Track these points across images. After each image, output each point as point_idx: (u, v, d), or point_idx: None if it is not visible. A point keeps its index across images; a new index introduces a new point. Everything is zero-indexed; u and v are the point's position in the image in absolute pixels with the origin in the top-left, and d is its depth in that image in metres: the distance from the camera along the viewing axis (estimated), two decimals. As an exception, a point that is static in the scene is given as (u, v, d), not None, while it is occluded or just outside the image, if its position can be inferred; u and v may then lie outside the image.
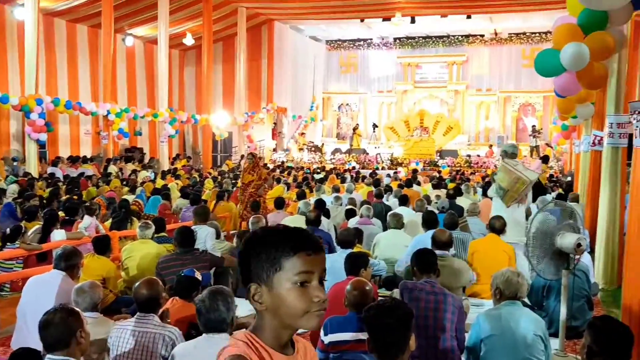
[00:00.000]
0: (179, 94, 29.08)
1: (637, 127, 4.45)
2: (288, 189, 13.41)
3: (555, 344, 4.83)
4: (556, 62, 5.67)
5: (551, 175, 19.23)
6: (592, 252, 7.36)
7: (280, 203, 9.61)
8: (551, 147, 24.83)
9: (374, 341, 2.54)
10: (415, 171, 18.50)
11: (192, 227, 6.38)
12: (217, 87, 27.27)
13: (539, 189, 11.96)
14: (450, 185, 13.71)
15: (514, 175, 7.78)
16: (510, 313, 3.88)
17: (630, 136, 5.02)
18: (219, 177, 17.51)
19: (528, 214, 7.88)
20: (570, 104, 9.04)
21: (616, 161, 7.14)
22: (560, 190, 12.31)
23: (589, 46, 5.52)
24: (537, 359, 3.83)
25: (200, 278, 4.36)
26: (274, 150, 28.05)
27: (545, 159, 19.25)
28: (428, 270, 4.14)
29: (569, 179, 16.43)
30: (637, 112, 4.41)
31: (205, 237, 6.67)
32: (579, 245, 4.56)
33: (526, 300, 5.29)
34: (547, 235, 4.81)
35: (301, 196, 10.98)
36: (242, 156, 25.36)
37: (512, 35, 30.42)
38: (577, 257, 4.84)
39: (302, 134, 30.37)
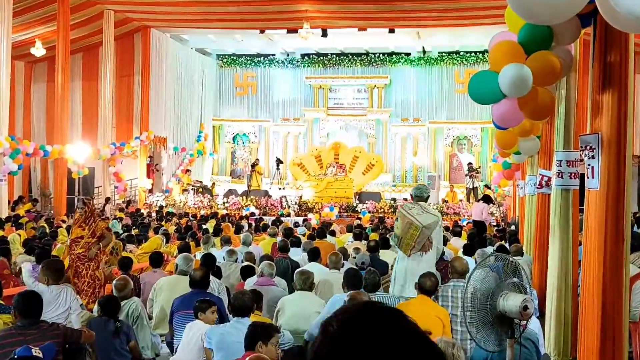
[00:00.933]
0: (24, 118, 28.15)
1: (589, 165, 4.72)
2: (167, 241, 13.18)
3: None
4: (494, 86, 5.94)
5: (483, 225, 19.96)
6: (541, 317, 7.64)
7: (156, 259, 9.40)
8: (491, 190, 25.83)
9: None
10: (328, 224, 18.64)
11: (42, 289, 6.13)
12: (76, 110, 26.73)
13: (480, 239, 12.43)
14: (373, 236, 13.92)
15: (406, 220, 8.01)
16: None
17: (582, 176, 5.31)
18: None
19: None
20: (512, 137, 9.47)
21: (567, 206, 7.48)
22: (502, 242, 12.78)
23: (531, 68, 5.82)
24: None
25: (40, 355, 4.15)
26: (150, 191, 27.57)
27: (486, 199, 20.00)
28: None
29: (512, 227, 17.12)
30: (588, 147, 4.68)
31: (66, 302, 6.45)
32: (525, 308, 4.72)
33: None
34: (487, 296, 4.96)
35: (185, 250, 10.78)
36: (107, 199, 24.75)
37: (443, 54, 31.84)
38: (523, 322, 5.01)
39: (187, 170, 30.11)
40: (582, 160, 5.27)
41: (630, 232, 5.10)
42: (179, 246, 11.36)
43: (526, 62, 5.86)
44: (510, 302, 4.79)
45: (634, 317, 7.28)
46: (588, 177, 4.81)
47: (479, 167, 28.42)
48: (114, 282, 7.53)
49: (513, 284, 5.00)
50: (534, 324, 6.61)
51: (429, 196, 8.89)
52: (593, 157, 4.71)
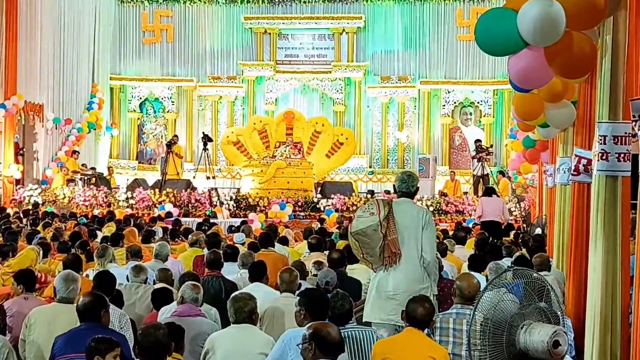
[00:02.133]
0: None
1: (645, 140, 4.76)
2: (45, 255, 13.01)
3: None
4: (511, 30, 5.95)
5: (508, 226, 20.08)
6: (578, 356, 7.72)
7: (27, 279, 9.21)
8: (508, 178, 25.99)
9: None
10: (277, 228, 18.62)
11: None
12: None
13: (493, 249, 12.46)
14: (340, 245, 13.91)
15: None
16: None
17: (635, 158, 5.35)
18: None
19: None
20: (537, 103, 9.51)
21: (614, 200, 7.50)
22: (522, 251, 12.83)
23: (563, 4, 5.83)
24: None
25: None
26: (19, 182, 27.21)
27: (489, 192, 20.02)
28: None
29: (537, 231, 17.22)
30: (643, 115, 4.72)
31: None
32: (556, 344, 4.77)
33: None
34: (503, 328, 5.00)
35: (71, 266, 10.66)
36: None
37: (441, -17, 31.93)
38: (554, 364, 5.06)
39: (73, 152, 29.75)
40: (634, 135, 5.28)
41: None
42: (63, 261, 11.23)
43: (556, -4, 5.90)
44: (536, 336, 4.83)
45: None
46: (643, 158, 4.86)
47: (491, 147, 28.53)
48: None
49: (539, 310, 5.04)
50: (568, 366, 6.68)
51: (417, 189, 8.71)
52: (651, 129, 4.76)
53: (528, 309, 5.04)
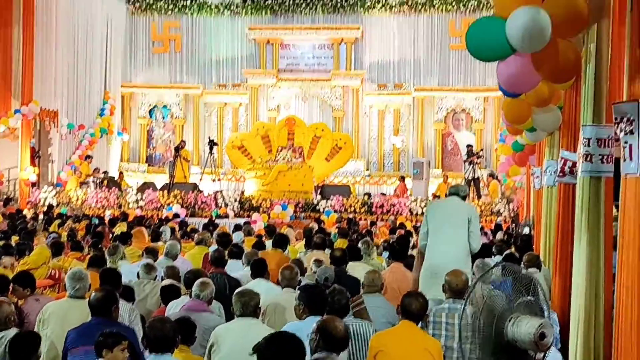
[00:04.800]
0: None
1: (626, 143, 4.75)
2: (59, 253, 13.00)
3: None
4: (500, 37, 5.95)
5: (497, 226, 20.11)
6: (564, 349, 7.70)
7: (31, 282, 9.16)
8: (498, 180, 26.01)
9: None
10: (278, 228, 18.61)
11: None
12: None
13: (485, 249, 12.46)
14: (339, 243, 13.90)
15: None
16: None
17: (618, 161, 5.34)
18: None
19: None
20: (525, 108, 9.52)
21: (598, 200, 7.50)
22: (511, 250, 12.84)
23: (550, 13, 5.84)
24: None
25: None
26: (35, 184, 27.21)
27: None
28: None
29: (526, 230, 17.25)
30: (625, 118, 4.71)
31: None
32: (542, 336, 4.76)
33: None
34: (492, 321, 5.00)
35: (96, 264, 10.69)
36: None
37: (434, -2, 31.93)
38: (539, 356, 5.06)
39: (86, 157, 29.75)
40: (617, 139, 5.27)
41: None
42: (91, 259, 11.23)
43: (543, 5, 5.89)
44: (523, 328, 4.83)
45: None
46: (625, 160, 4.84)
47: (482, 151, 28.56)
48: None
49: (526, 304, 5.04)
50: (554, 358, 6.67)
51: (465, 197, 10.29)
52: (631, 132, 4.75)
53: (516, 303, 5.04)
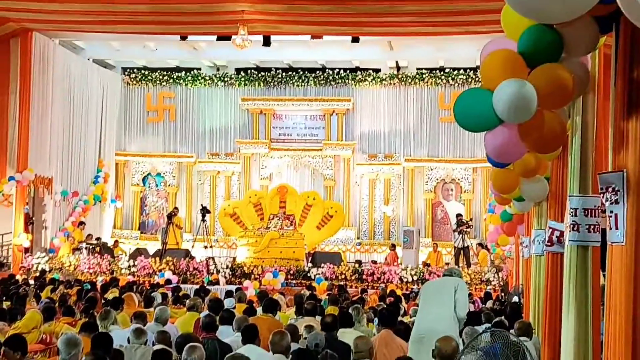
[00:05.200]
0: None
1: (611, 212, 4.81)
2: (51, 318, 12.92)
3: None
4: (487, 109, 6.01)
5: (487, 294, 20.09)
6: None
7: (23, 346, 9.06)
8: (487, 250, 26.03)
9: None
10: (270, 294, 18.56)
11: None
12: None
13: (474, 317, 12.47)
14: (330, 310, 13.86)
15: None
16: None
17: (604, 231, 5.38)
18: None
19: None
20: (512, 178, 9.59)
21: (585, 269, 7.54)
22: (501, 318, 12.83)
23: (535, 85, 5.91)
24: None
25: None
26: (28, 250, 27.13)
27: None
28: None
29: (515, 299, 17.25)
30: (610, 188, 4.77)
31: None
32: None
33: None
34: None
35: (88, 329, 10.66)
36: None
37: (423, 71, 32.23)
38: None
39: (80, 223, 29.72)
40: (603, 211, 5.33)
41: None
42: (83, 324, 11.19)
43: (528, 78, 5.95)
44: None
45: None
46: (611, 229, 4.88)
47: (471, 220, 28.62)
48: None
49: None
50: None
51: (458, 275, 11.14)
52: (617, 201, 4.80)
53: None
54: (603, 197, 4.96)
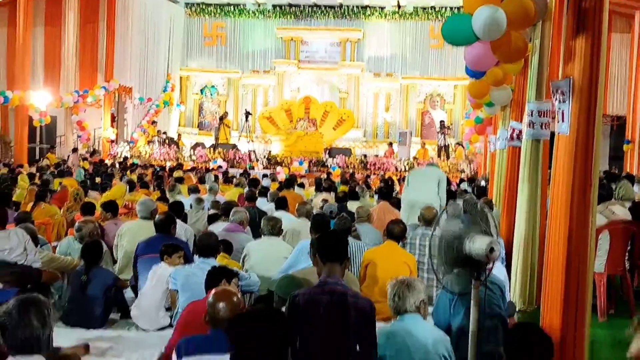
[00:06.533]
0: (-18, 63, 27.65)
1: (559, 109, 4.79)
2: (132, 190, 13.13)
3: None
4: (467, 29, 5.99)
5: (461, 180, 20.19)
6: (508, 268, 7.81)
7: (114, 209, 9.27)
8: (462, 147, 26.08)
9: (240, 358, 2.56)
10: (296, 177, 18.72)
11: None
12: (37, 56, 26.21)
13: (450, 195, 12.61)
14: (342, 188, 14.04)
15: None
16: (405, 329, 4.07)
17: (553, 134, 5.38)
18: (38, 173, 16.81)
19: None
20: (484, 86, 9.56)
21: (537, 157, 7.59)
22: (470, 194, 12.96)
23: (505, 11, 5.88)
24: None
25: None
26: (114, 141, 27.37)
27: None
28: (333, 258, 4.15)
29: (482, 183, 17.31)
30: (559, 91, 4.75)
31: (20, 243, 6.38)
32: (491, 250, 4.81)
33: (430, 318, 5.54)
34: (453, 240, 5.05)
35: (162, 199, 10.92)
36: (75, 149, 24.55)
37: (418, 9, 31.69)
38: (489, 265, 5.12)
39: (153, 122, 29.94)
40: (553, 117, 5.34)
41: (599, 183, 5.18)
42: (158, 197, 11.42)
43: (501, 5, 5.92)
44: (477, 244, 4.86)
45: (599, 267, 7.47)
46: (558, 122, 4.88)
47: (451, 125, 28.70)
48: (76, 223, 7.53)
49: (480, 229, 5.08)
50: (500, 271, 6.76)
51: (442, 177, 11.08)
52: (564, 101, 4.78)
53: (472, 228, 5.08)
54: (554, 97, 4.93)
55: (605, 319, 7.47)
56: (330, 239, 4.28)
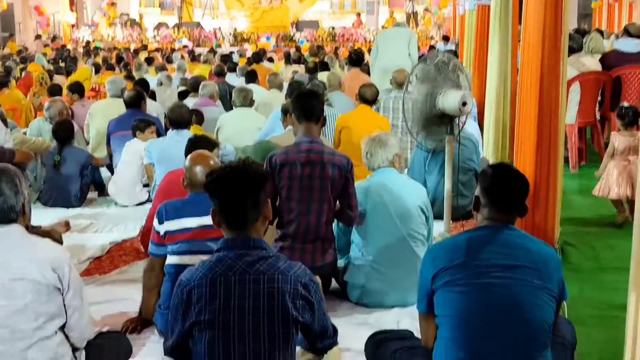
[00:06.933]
0: None
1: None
2: (97, 72, 12.93)
3: (439, 225, 5.21)
4: None
5: (431, 47, 20.04)
6: (481, 127, 7.88)
7: (80, 90, 9.12)
8: (431, 13, 25.80)
9: (220, 211, 2.59)
10: (264, 51, 18.42)
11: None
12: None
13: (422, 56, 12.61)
14: (311, 59, 13.93)
15: None
16: (379, 183, 4.15)
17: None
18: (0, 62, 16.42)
19: None
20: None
21: (507, 12, 7.50)
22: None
23: None
24: (418, 233, 4.15)
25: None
26: (74, 26, 26.65)
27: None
28: (309, 116, 4.12)
29: (452, 47, 17.21)
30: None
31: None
32: (464, 103, 4.84)
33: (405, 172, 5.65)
34: (426, 96, 5.07)
35: (128, 77, 10.80)
36: (38, 36, 23.99)
37: None
38: (462, 119, 5.17)
39: (112, 3, 28.98)
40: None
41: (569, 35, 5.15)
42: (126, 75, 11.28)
43: None
44: (450, 98, 4.90)
45: (571, 119, 7.57)
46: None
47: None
48: (45, 103, 7.46)
49: (452, 82, 5.09)
50: (473, 127, 6.84)
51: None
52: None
53: (445, 83, 5.09)
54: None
55: (576, 170, 7.64)
56: (308, 97, 4.25)
